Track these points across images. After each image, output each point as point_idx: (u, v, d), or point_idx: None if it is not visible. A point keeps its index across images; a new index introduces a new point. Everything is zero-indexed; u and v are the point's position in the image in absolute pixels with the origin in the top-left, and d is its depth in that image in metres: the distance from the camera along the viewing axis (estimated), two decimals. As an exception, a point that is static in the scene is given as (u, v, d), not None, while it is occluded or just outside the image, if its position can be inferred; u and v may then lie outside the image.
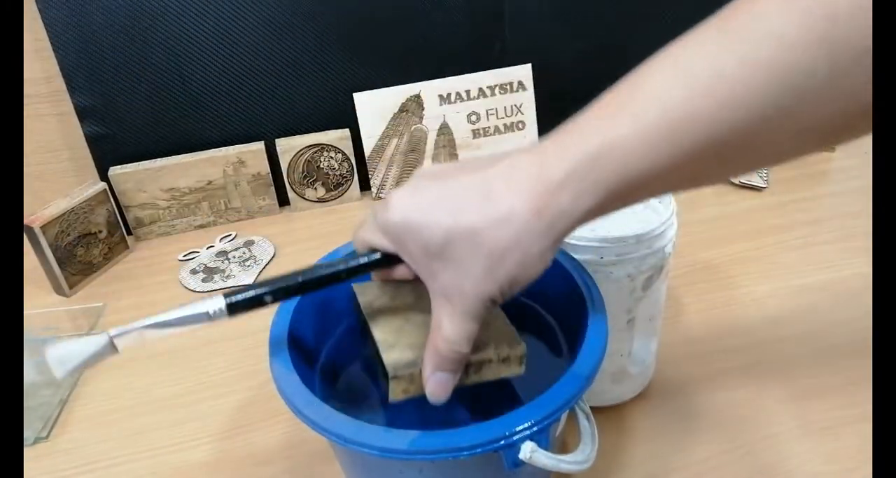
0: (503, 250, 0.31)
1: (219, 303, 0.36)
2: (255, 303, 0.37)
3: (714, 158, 0.29)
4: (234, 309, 0.36)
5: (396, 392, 0.37)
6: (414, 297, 0.41)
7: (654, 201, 0.52)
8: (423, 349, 0.36)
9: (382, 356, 0.37)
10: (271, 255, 0.81)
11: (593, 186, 0.30)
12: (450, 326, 0.34)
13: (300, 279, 0.37)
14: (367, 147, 0.89)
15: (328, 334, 0.50)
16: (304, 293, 0.39)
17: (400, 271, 0.38)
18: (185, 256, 0.82)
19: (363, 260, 0.37)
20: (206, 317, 0.36)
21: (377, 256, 0.37)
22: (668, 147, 0.29)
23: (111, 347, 0.36)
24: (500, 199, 0.31)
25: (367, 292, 0.42)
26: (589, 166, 0.30)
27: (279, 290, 0.37)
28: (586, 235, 0.46)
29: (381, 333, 0.39)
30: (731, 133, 0.28)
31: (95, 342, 0.35)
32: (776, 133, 0.28)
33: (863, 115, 0.27)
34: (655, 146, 0.29)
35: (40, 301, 0.76)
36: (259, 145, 0.86)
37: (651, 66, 0.30)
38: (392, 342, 0.38)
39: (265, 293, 0.37)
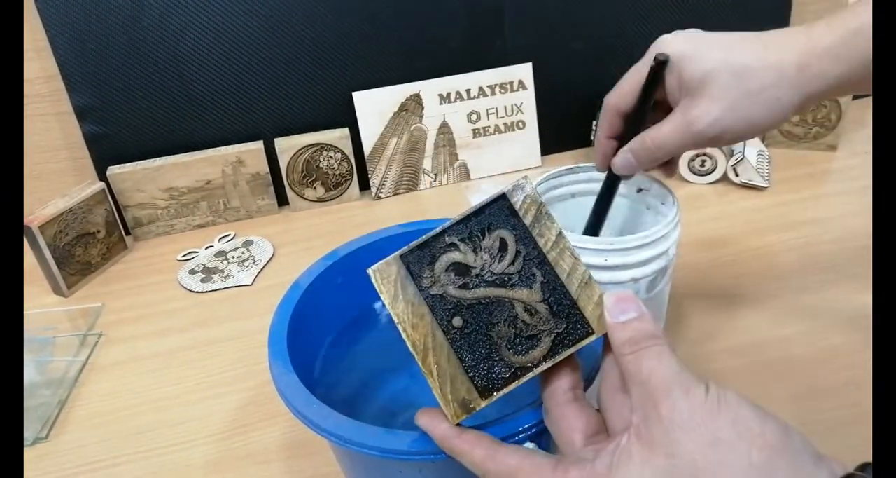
0: (762, 89, 0.38)
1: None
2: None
3: None
4: None
5: None
6: None
7: (658, 204, 0.52)
8: None
9: None
10: (270, 255, 0.81)
11: (850, 55, 0.37)
12: (669, 134, 0.40)
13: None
14: (367, 146, 0.89)
15: (327, 334, 0.50)
16: None
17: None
18: (183, 256, 0.82)
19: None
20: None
21: None
22: None
23: None
24: (773, 51, 0.38)
25: None
26: (851, 40, 0.36)
27: None
28: (591, 239, 0.46)
29: None
30: None
31: None
32: None
33: None
34: None
35: (38, 301, 0.76)
36: (258, 145, 0.86)
37: None
38: None
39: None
